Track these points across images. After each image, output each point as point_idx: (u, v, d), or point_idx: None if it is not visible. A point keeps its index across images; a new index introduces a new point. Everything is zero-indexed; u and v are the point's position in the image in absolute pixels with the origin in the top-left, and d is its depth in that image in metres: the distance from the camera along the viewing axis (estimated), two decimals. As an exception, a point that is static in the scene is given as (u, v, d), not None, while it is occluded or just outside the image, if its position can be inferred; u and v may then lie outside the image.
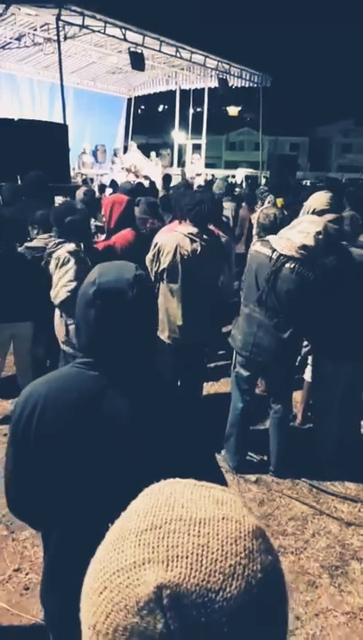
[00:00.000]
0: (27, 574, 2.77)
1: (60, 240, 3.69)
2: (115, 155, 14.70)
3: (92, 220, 5.06)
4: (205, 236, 3.50)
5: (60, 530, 1.31)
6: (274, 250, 3.26)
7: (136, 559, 0.45)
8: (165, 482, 0.53)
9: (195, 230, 3.49)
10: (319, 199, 3.86)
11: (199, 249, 3.46)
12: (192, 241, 3.46)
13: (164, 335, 3.64)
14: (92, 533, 1.18)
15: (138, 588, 0.43)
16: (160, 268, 3.57)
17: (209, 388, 5.03)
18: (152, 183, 10.89)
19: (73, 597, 1.25)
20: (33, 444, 1.25)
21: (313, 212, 3.76)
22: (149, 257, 3.65)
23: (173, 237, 3.51)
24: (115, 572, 0.45)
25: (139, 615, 0.42)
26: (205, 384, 5.03)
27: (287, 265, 3.21)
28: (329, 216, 3.58)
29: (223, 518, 0.48)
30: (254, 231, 4.00)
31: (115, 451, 1.22)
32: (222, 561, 0.45)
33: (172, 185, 9.70)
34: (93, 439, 1.23)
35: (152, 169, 13.83)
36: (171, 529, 0.46)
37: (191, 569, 0.43)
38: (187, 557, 0.44)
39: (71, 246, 3.60)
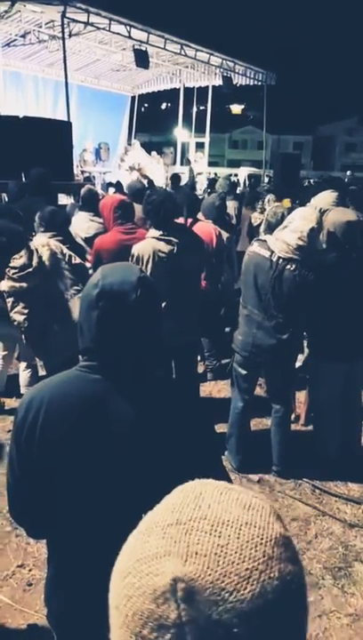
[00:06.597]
0: (30, 570, 2.78)
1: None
2: (125, 153, 14.44)
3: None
4: (175, 234, 3.42)
5: (65, 535, 1.30)
6: (272, 252, 3.27)
7: (158, 550, 0.48)
8: (198, 481, 0.55)
9: (165, 232, 3.42)
10: (325, 198, 3.86)
11: (176, 248, 3.41)
12: (167, 242, 3.41)
13: None
14: (98, 537, 1.20)
15: (156, 578, 0.46)
16: None
17: (211, 387, 5.03)
18: (150, 182, 10.83)
19: (78, 598, 1.27)
20: (37, 449, 1.23)
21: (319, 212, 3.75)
22: None
23: (148, 244, 3.42)
24: (138, 559, 0.48)
25: (155, 603, 0.45)
26: (206, 384, 5.05)
27: (288, 267, 3.23)
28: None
29: (247, 523, 0.50)
30: (262, 229, 3.98)
31: (120, 455, 1.21)
32: (239, 563, 0.46)
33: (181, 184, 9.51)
34: (99, 444, 1.22)
35: (154, 167, 13.77)
36: (194, 526, 0.48)
37: (207, 567, 0.45)
38: (205, 555, 0.46)
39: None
